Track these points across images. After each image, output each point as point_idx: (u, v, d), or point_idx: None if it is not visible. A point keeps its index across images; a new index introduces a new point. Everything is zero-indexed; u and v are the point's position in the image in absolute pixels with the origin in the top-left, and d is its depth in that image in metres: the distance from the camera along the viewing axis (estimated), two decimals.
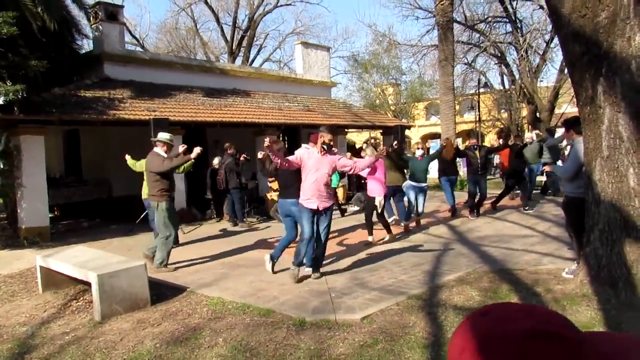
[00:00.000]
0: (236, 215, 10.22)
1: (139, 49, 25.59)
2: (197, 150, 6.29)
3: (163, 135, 6.82)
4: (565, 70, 20.67)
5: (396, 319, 4.23)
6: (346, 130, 16.85)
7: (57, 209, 12.35)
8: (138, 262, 5.08)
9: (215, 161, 10.63)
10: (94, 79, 11.51)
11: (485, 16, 22.26)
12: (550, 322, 0.65)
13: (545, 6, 18.80)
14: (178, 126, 10.59)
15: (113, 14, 12.10)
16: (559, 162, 9.27)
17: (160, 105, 11.15)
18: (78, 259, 5.24)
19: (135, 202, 8.98)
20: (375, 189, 7.41)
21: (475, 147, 9.89)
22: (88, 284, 4.91)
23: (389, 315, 4.35)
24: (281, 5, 27.69)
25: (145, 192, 8.00)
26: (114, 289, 4.66)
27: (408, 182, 8.72)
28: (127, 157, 7.98)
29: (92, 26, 12.03)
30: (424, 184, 8.78)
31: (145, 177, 6.96)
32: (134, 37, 27.55)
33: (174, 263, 6.60)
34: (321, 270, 5.95)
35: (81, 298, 5.26)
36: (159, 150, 6.67)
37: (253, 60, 29.26)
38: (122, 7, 12.90)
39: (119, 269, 4.82)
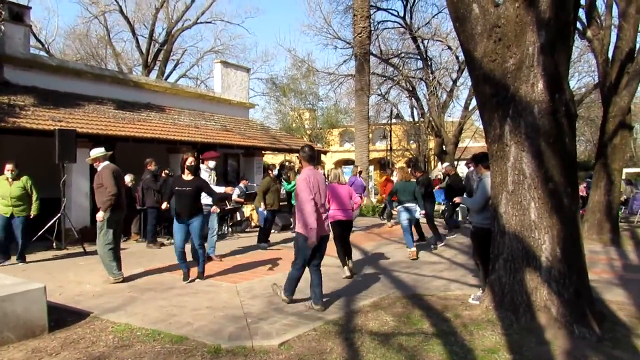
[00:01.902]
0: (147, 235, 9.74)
1: (43, 53, 23.95)
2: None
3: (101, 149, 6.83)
4: (469, 108, 22.34)
5: (314, 345, 4.21)
6: (263, 152, 16.81)
7: None
8: (36, 284, 4.64)
9: (128, 179, 10.04)
10: None
11: (399, 52, 23.50)
12: None
13: (452, 47, 20.29)
14: (86, 139, 9.97)
15: (18, 15, 11.26)
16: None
17: (67, 115, 10.46)
18: None
19: (28, 219, 8.22)
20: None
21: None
22: None
23: (307, 341, 4.32)
24: (201, 22, 27.42)
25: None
26: (6, 315, 4.21)
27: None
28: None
29: None
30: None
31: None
32: (38, 40, 25.76)
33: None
34: (238, 292, 5.88)
35: None
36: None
37: (169, 76, 28.56)
38: (29, 8, 12.05)
39: (14, 292, 4.37)
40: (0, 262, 7.62)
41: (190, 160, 6.57)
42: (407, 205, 8.60)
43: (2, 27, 10.92)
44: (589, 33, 11.15)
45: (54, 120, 9.75)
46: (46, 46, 26.89)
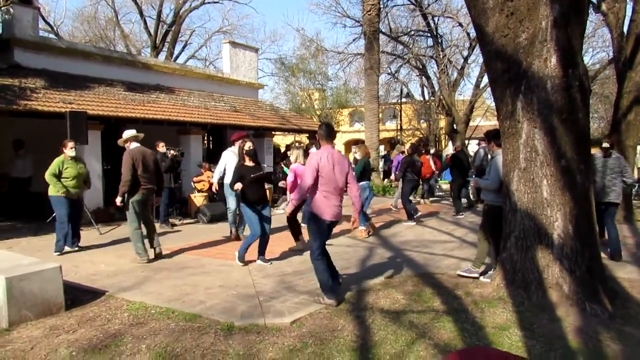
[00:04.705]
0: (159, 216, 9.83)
1: (52, 36, 23.95)
2: None
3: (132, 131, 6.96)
4: (480, 86, 22.04)
5: (325, 323, 4.25)
6: (273, 133, 16.77)
7: None
8: (51, 264, 4.73)
9: None
10: (2, 65, 10.60)
11: (409, 29, 23.13)
12: None
13: (463, 24, 19.94)
14: (97, 121, 10.05)
15: None
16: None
17: (78, 97, 10.48)
18: None
19: (44, 200, 8.33)
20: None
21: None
22: None
23: (318, 319, 4.36)
24: (208, 2, 27.15)
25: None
26: (24, 294, 4.30)
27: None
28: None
29: (2, 8, 11.08)
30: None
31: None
32: (47, 23, 25.71)
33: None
34: (250, 271, 5.95)
35: None
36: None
37: (177, 57, 28.44)
38: None
39: (31, 271, 4.45)
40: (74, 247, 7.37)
41: (248, 146, 6.52)
42: (367, 182, 8.87)
43: (11, 10, 10.91)
44: (603, 6, 10.89)
45: (65, 103, 9.78)
46: (55, 29, 26.86)
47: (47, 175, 7.07)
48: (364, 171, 9.04)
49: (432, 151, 11.84)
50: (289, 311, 4.54)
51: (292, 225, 7.44)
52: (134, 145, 6.82)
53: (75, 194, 7.31)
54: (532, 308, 4.40)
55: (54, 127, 9.31)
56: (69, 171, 7.21)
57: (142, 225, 6.81)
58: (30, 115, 9.35)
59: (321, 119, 30.24)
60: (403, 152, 14.07)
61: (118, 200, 6.64)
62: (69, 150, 7.30)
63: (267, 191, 12.34)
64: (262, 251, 6.56)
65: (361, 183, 8.57)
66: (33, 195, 10.57)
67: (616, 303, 4.57)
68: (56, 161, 7.19)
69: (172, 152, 9.93)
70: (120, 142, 7.02)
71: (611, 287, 4.88)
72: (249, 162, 6.55)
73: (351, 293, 5.11)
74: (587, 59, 22.28)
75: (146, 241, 6.83)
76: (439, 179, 17.67)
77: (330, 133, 4.99)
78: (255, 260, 6.54)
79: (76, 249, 7.43)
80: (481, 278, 5.42)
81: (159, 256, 6.84)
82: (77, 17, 30.11)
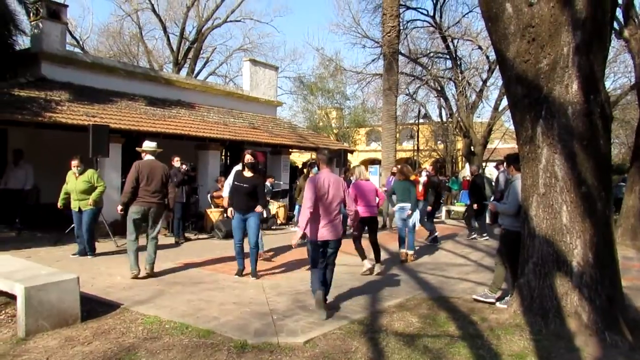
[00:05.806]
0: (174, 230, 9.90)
1: (78, 50, 24.57)
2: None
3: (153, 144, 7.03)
4: (499, 108, 21.96)
5: (339, 344, 4.22)
6: (290, 150, 16.88)
7: None
8: (69, 274, 4.78)
9: None
10: (29, 77, 10.90)
11: (428, 51, 23.25)
12: None
13: (482, 47, 19.97)
14: (118, 134, 10.21)
15: (55, 13, 11.57)
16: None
17: (100, 111, 10.71)
18: (2, 269, 4.86)
19: (64, 211, 8.45)
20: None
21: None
22: (11, 297, 4.56)
23: (332, 339, 4.33)
24: (230, 21, 27.66)
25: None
26: (42, 303, 4.35)
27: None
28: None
29: (32, 23, 11.44)
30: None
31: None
32: (73, 37, 26.43)
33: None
34: (264, 289, 5.93)
35: (2, 311, 4.86)
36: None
37: (199, 73, 28.89)
38: (66, 6, 12.34)
39: (49, 281, 4.51)
40: (83, 254, 7.86)
41: (247, 159, 6.80)
42: (402, 205, 8.38)
43: (40, 25, 11.26)
44: (625, 33, 10.86)
45: (88, 116, 9.99)
46: (81, 43, 27.58)
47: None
48: (402, 193, 8.40)
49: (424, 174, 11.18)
50: (303, 330, 4.52)
51: (357, 246, 7.28)
52: (147, 157, 6.84)
53: (73, 207, 7.84)
54: (550, 337, 4.32)
55: (77, 139, 9.48)
56: (67, 185, 7.91)
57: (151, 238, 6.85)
58: (55, 127, 9.55)
59: (338, 138, 30.37)
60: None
61: (119, 208, 6.86)
62: (73, 168, 7.84)
63: (279, 208, 12.42)
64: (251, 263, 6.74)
65: (402, 205, 8.33)
66: (43, 207, 10.60)
67: (636, 334, 4.47)
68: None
69: (184, 166, 10.04)
70: (138, 149, 7.14)
71: (632, 318, 4.77)
72: (247, 172, 6.78)
73: (365, 314, 5.07)
74: (608, 84, 22.15)
75: (142, 255, 6.71)
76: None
77: (330, 158, 5.31)
78: (256, 277, 6.59)
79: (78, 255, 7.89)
80: (497, 304, 5.35)
81: (150, 275, 6.62)
82: (102, 32, 30.91)
